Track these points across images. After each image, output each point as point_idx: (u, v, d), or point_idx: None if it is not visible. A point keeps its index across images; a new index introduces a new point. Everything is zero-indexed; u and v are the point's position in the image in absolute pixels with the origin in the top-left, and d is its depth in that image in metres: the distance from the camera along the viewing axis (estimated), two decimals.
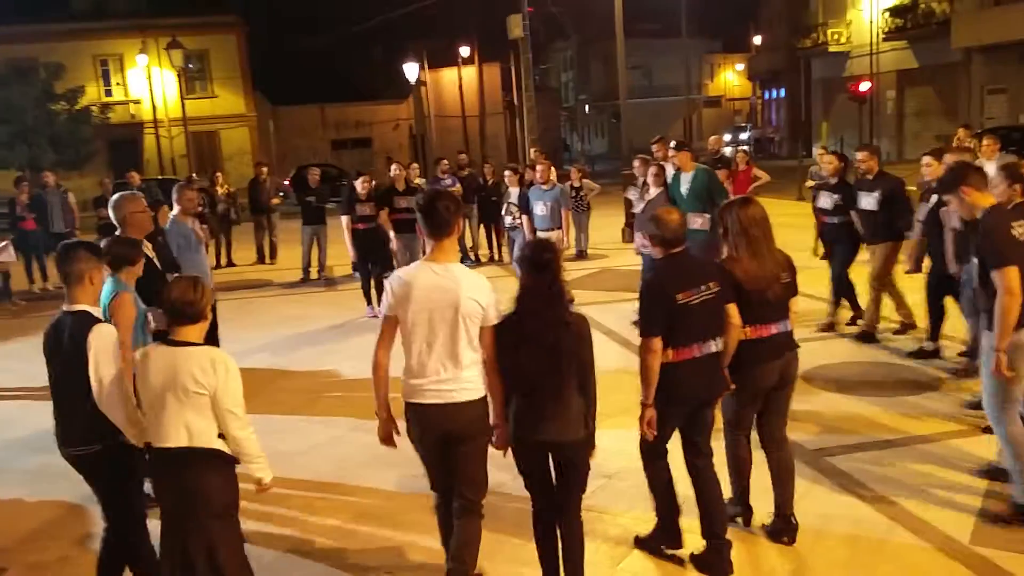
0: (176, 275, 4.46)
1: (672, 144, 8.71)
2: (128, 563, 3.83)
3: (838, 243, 7.85)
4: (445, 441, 3.61)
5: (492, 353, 3.58)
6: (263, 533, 4.68)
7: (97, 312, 3.72)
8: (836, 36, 33.80)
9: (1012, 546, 4.06)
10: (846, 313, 8.09)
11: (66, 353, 3.59)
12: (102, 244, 4.35)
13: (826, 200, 7.85)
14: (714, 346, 3.89)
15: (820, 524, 4.40)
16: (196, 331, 3.40)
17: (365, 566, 4.26)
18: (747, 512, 4.39)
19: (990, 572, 3.88)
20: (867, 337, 7.54)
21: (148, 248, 5.45)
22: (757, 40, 47.43)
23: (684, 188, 8.06)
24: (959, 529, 4.24)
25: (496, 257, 13.55)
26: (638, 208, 8.22)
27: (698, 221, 7.74)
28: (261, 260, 15.15)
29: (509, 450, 3.68)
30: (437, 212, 3.58)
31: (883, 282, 7.51)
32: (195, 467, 3.32)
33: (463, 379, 3.55)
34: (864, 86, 29.75)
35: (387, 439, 3.73)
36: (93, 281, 3.72)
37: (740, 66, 57.98)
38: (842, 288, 7.93)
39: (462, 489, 3.66)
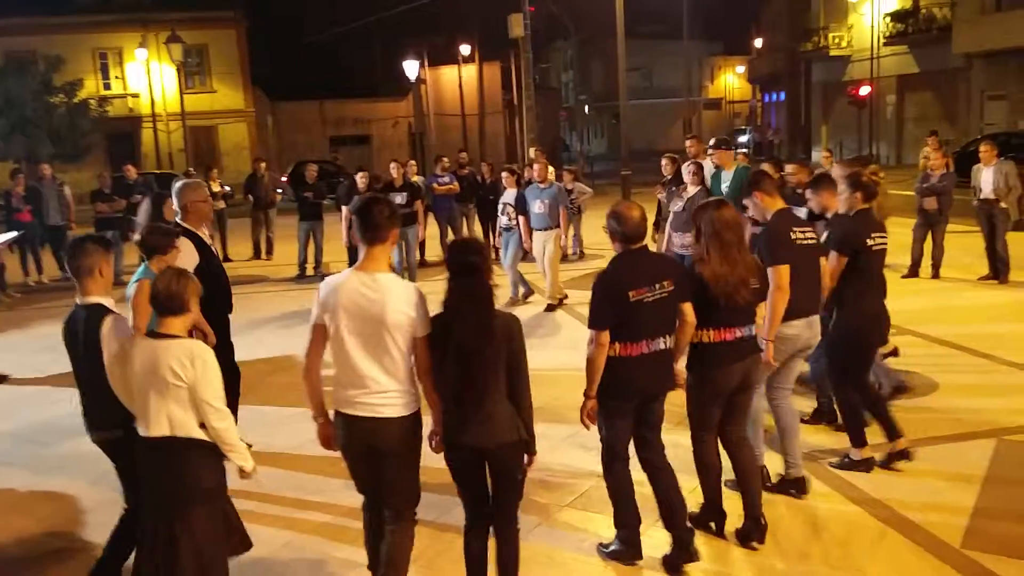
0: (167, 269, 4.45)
1: (712, 142, 8.66)
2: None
3: None
4: (372, 452, 3.51)
5: (425, 362, 3.47)
6: (255, 528, 4.66)
7: (110, 303, 3.78)
8: (837, 40, 33.86)
9: (1003, 550, 4.07)
10: None
11: (83, 344, 3.71)
12: (138, 232, 4.49)
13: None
14: (663, 343, 3.90)
15: (812, 526, 4.41)
16: (179, 323, 3.46)
17: (356, 562, 4.25)
18: (720, 517, 4.35)
19: (981, 575, 3.89)
20: None
21: (206, 235, 5.45)
22: (758, 43, 47.46)
23: (724, 186, 7.99)
24: (950, 533, 4.25)
25: (493, 256, 13.54)
26: (676, 207, 8.16)
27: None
28: (257, 255, 15.16)
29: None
30: (371, 217, 3.45)
31: None
32: (178, 454, 3.39)
33: (391, 393, 3.44)
34: (864, 90, 29.84)
35: (327, 442, 3.65)
36: (103, 273, 3.81)
37: (741, 68, 58.02)
38: None
39: (392, 500, 3.58)
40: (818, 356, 5.32)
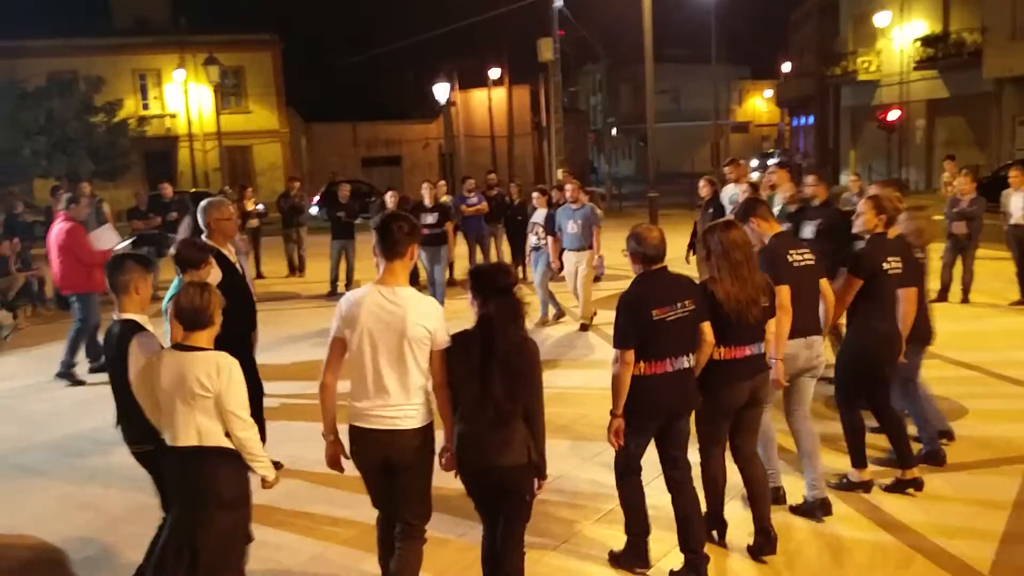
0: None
1: (775, 160, 8.71)
2: None
3: None
4: (386, 466, 3.56)
5: (442, 378, 3.52)
6: (285, 542, 4.77)
7: (143, 319, 3.91)
8: (866, 65, 33.70)
9: None
10: None
11: (116, 359, 3.82)
12: (172, 247, 4.70)
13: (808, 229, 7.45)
14: (686, 362, 3.98)
15: (836, 551, 4.42)
16: (205, 336, 3.57)
17: None
18: (722, 527, 4.46)
19: None
20: None
21: (231, 252, 5.54)
22: (786, 67, 47.40)
23: (776, 209, 7.94)
24: (978, 560, 4.23)
25: (521, 276, 13.64)
26: None
27: None
28: (292, 272, 15.39)
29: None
30: (391, 233, 3.53)
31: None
32: (205, 463, 3.50)
33: (407, 406, 3.49)
34: (893, 115, 29.63)
35: (334, 463, 3.68)
36: (139, 291, 3.94)
37: (768, 92, 57.93)
38: None
39: (404, 514, 3.61)
40: (904, 393, 5.37)
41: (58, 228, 8.51)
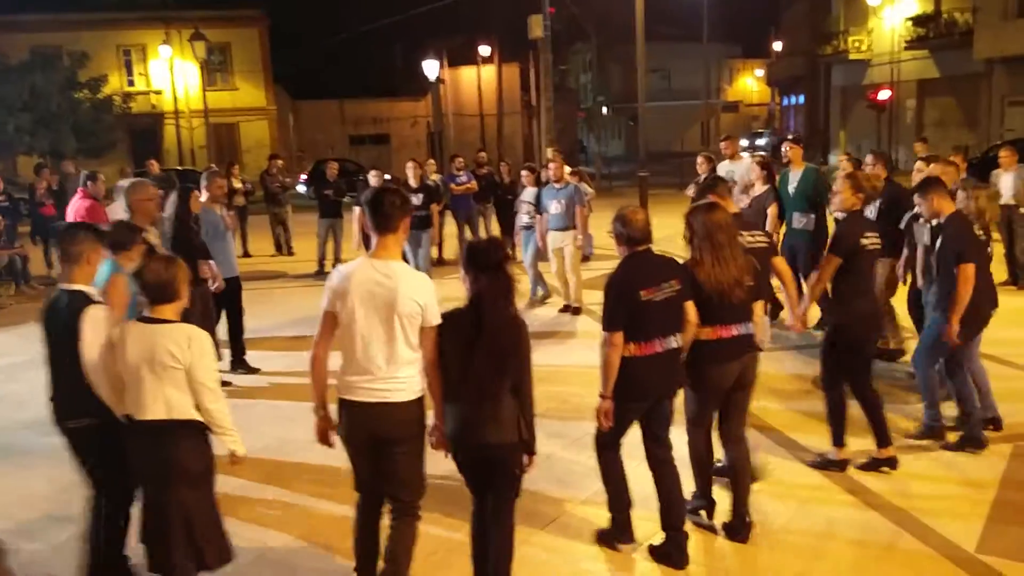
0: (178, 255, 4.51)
1: (789, 136, 8.75)
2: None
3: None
4: (375, 441, 3.53)
5: (433, 354, 3.51)
6: (270, 521, 4.75)
7: (92, 291, 3.84)
8: (857, 44, 33.64)
9: (1018, 554, 4.07)
10: None
11: (62, 329, 3.73)
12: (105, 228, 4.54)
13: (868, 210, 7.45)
14: (674, 342, 3.99)
15: (826, 528, 4.43)
16: (171, 309, 3.54)
17: None
18: (710, 505, 4.48)
19: None
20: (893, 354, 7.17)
21: (152, 235, 5.52)
22: (777, 46, 47.25)
23: (791, 187, 7.97)
24: (965, 537, 4.25)
25: (511, 255, 13.57)
26: (743, 204, 8.22)
27: (803, 221, 7.72)
28: (279, 251, 15.29)
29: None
30: (382, 207, 3.52)
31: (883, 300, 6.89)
32: (171, 437, 3.48)
33: (398, 379, 3.47)
34: (883, 94, 29.63)
35: (323, 437, 3.66)
36: (91, 262, 3.87)
37: (759, 72, 57.74)
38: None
39: (397, 492, 3.60)
40: (952, 371, 5.42)
41: (77, 204, 8.58)
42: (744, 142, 42.88)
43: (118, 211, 8.78)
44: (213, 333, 7.26)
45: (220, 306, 7.45)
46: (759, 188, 7.92)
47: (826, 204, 7.99)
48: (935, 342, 5.28)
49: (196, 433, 3.53)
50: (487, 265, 3.48)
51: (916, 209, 5.71)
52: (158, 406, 3.46)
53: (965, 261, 5.03)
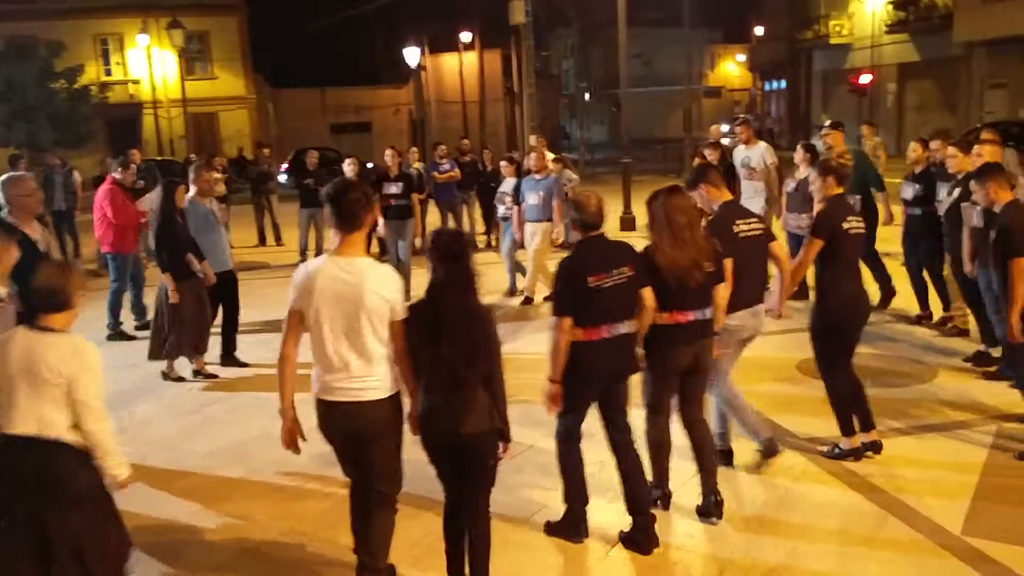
0: (52, 260, 4.31)
1: (827, 123, 8.80)
2: None
3: (920, 238, 7.34)
4: (352, 438, 3.53)
5: (402, 346, 3.48)
6: (255, 516, 4.71)
7: (1, 291, 3.67)
8: (838, 28, 33.72)
9: (1003, 536, 4.10)
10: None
11: None
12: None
13: (907, 190, 7.42)
14: (624, 328, 3.99)
15: (812, 512, 4.44)
16: (61, 319, 3.30)
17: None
18: (666, 496, 4.48)
19: (981, 562, 3.92)
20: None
21: (35, 230, 5.35)
22: (759, 31, 47.21)
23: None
24: (950, 519, 4.28)
25: (493, 244, 13.54)
26: (789, 188, 8.23)
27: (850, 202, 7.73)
28: (262, 242, 15.15)
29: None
30: (344, 204, 3.44)
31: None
32: (43, 454, 3.19)
33: (370, 377, 3.45)
34: (865, 79, 29.74)
35: (291, 443, 3.58)
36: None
37: (741, 57, 57.72)
38: (924, 285, 7.63)
39: (375, 483, 3.60)
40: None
41: (101, 189, 8.95)
42: (725, 127, 42.89)
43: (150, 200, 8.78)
44: (208, 327, 7.22)
45: (216, 300, 7.38)
46: (804, 171, 7.85)
47: (874, 186, 8.17)
48: (1014, 348, 5.18)
49: (72, 452, 3.21)
50: (445, 256, 3.46)
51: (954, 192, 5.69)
52: (29, 421, 3.17)
53: (1019, 255, 4.90)
